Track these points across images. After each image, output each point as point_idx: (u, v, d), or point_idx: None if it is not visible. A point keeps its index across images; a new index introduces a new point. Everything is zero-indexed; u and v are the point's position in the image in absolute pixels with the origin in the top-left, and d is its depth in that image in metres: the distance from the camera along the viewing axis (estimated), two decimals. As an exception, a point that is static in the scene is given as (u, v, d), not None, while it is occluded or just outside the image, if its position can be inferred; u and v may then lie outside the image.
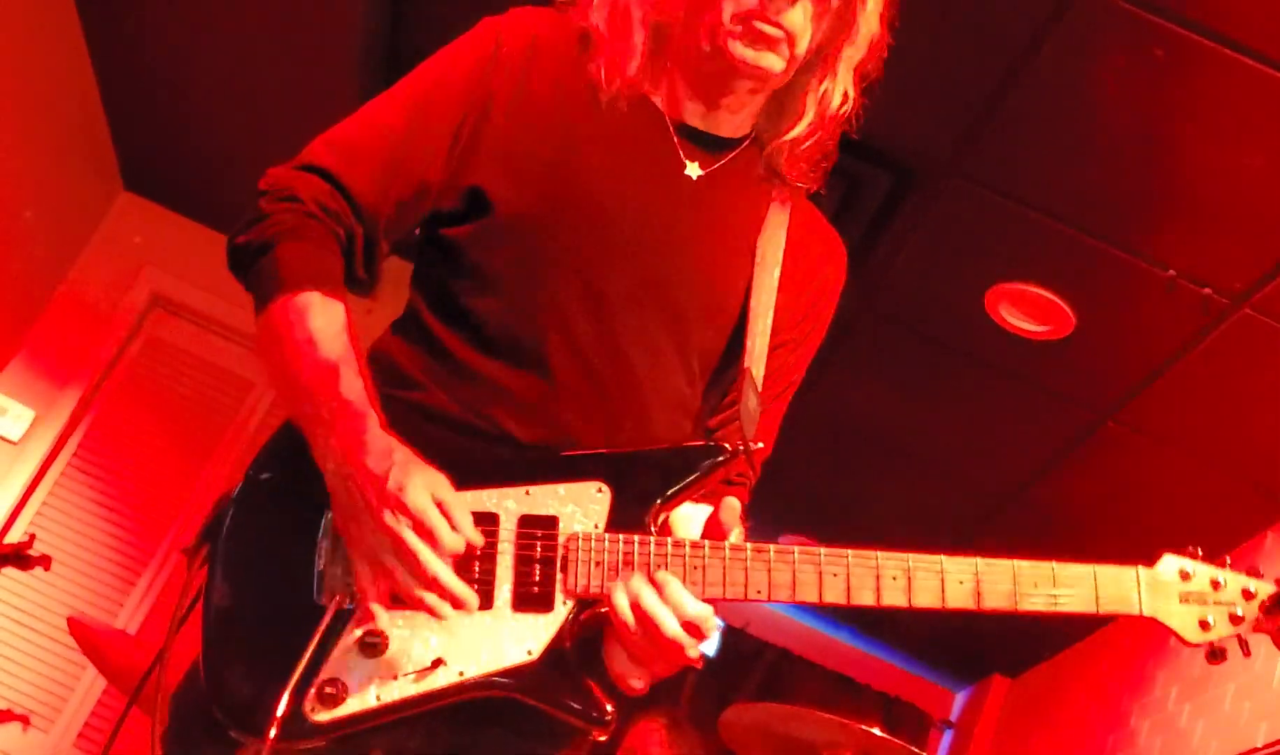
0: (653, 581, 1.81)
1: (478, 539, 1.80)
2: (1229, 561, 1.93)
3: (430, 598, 1.75)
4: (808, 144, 2.10)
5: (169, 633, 1.90)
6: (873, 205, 4.49)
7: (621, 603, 1.81)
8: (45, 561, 4.83)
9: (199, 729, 1.84)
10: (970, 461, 5.75)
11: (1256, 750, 4.57)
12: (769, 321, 2.08)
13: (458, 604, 1.76)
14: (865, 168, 4.30)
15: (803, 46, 2.04)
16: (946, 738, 7.41)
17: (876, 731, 3.68)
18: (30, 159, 5.76)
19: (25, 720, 5.93)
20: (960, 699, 7.53)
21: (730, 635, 7.22)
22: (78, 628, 4.45)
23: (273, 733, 1.73)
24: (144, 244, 6.59)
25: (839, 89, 2.08)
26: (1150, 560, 1.92)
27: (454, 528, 1.76)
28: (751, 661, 7.25)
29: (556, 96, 2.05)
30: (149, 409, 6.51)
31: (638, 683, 1.83)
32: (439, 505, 1.76)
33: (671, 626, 1.78)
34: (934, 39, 3.76)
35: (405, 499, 1.74)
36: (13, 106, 5.42)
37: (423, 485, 1.76)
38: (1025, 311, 4.70)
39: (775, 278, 2.09)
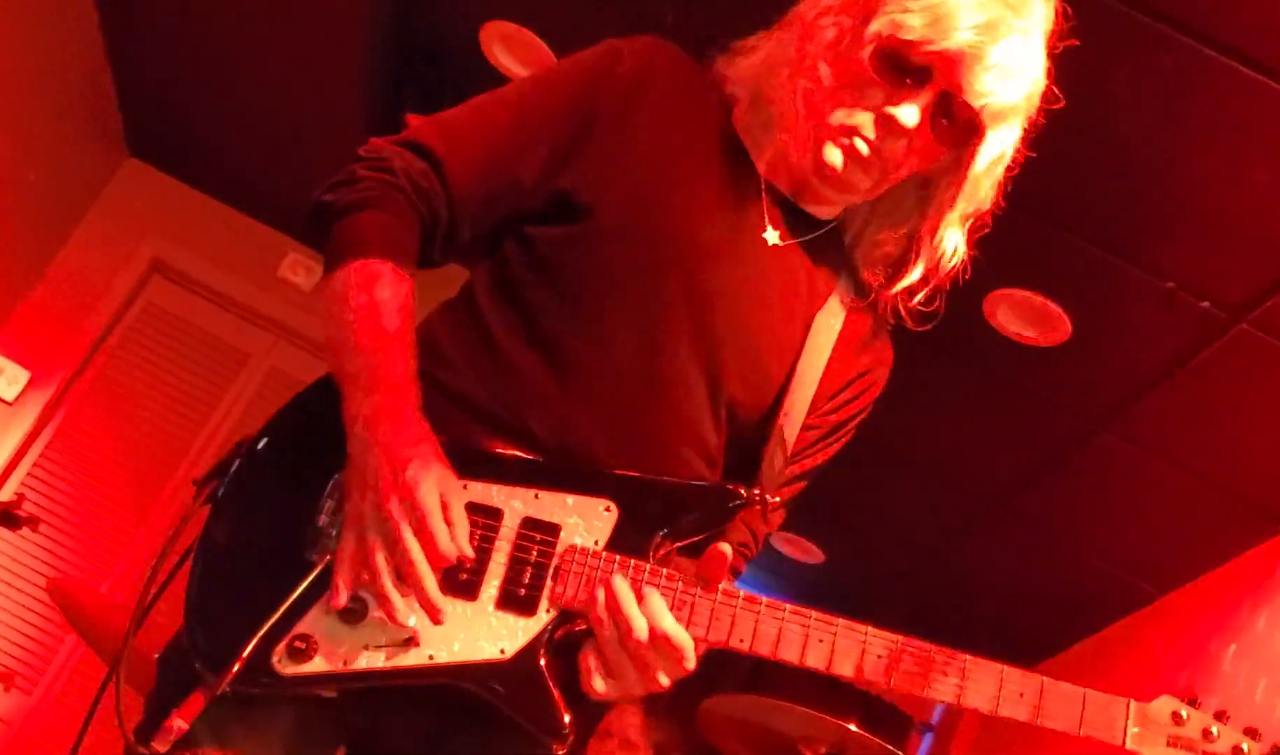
0: (636, 591, 1.82)
1: (469, 554, 1.81)
2: (1229, 716, 1.90)
3: (396, 599, 1.77)
4: (918, 296, 2.15)
5: (159, 559, 1.94)
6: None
7: (601, 597, 1.82)
8: (34, 523, 4.83)
9: (178, 665, 1.86)
10: (962, 465, 5.75)
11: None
12: (810, 394, 2.10)
13: (431, 612, 1.77)
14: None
15: (893, 178, 2.07)
16: (926, 741, 7.41)
17: (853, 727, 3.68)
18: (35, 122, 5.76)
19: (9, 679, 5.94)
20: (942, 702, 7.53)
21: (716, 628, 7.21)
22: (58, 590, 4.45)
23: (234, 670, 1.76)
24: (146, 211, 6.60)
25: (950, 243, 2.14)
26: (1145, 698, 1.91)
27: (452, 538, 1.78)
28: (734, 655, 7.23)
29: (664, 126, 2.08)
30: (145, 375, 6.52)
31: (599, 685, 1.83)
32: (445, 512, 1.78)
33: (641, 630, 1.78)
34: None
35: (417, 493, 1.75)
36: (19, 69, 5.42)
37: (437, 485, 1.78)
38: (1023, 317, 4.70)
39: (825, 357, 2.12)
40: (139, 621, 1.93)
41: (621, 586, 1.81)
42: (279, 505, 1.90)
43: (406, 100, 5.03)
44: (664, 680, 1.83)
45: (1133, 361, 4.69)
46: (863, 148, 2.01)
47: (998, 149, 2.11)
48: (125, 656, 1.88)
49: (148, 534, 6.30)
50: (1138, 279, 4.29)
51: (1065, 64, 3.71)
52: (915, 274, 2.13)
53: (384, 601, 1.78)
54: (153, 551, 6.20)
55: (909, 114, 1.99)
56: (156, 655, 1.97)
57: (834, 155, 2.02)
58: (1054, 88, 2.13)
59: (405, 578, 1.76)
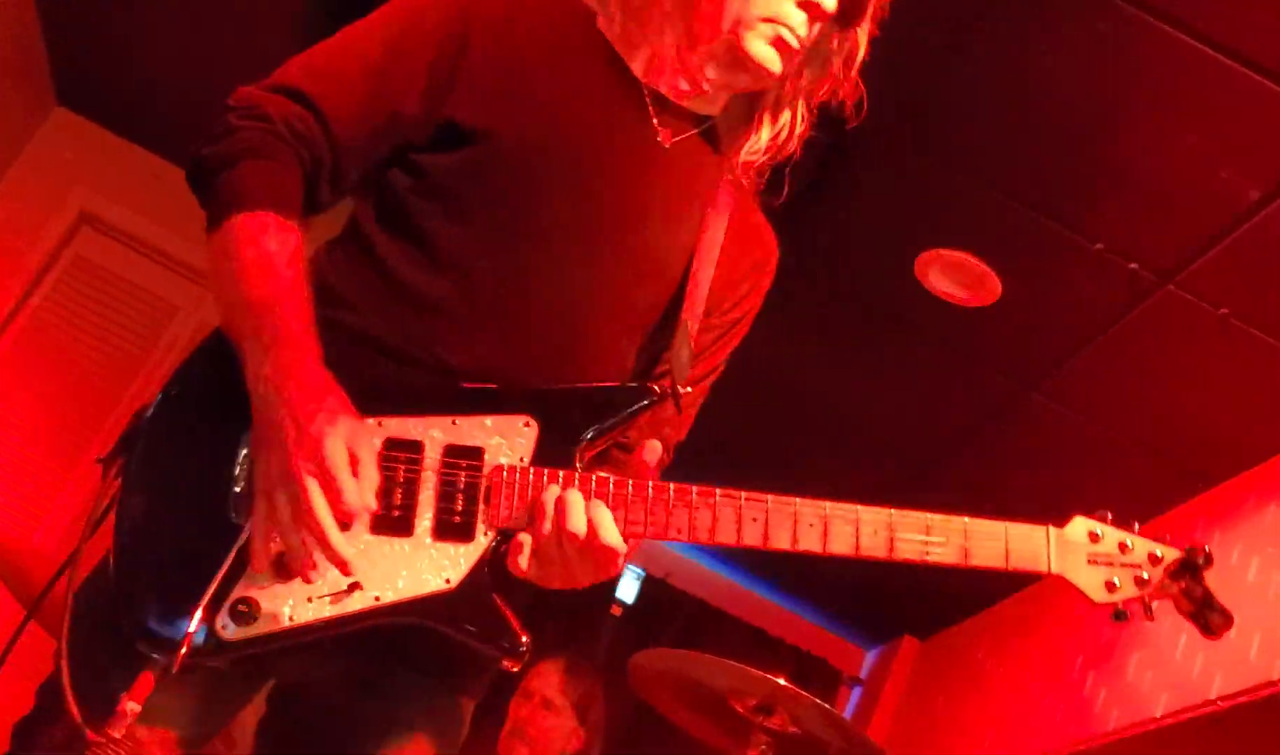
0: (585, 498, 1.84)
1: (373, 507, 1.77)
2: (1137, 527, 1.98)
3: (303, 555, 1.75)
4: (760, 161, 2.19)
5: (79, 544, 1.88)
6: (806, 170, 4.49)
7: (550, 500, 1.83)
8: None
9: (105, 644, 1.82)
10: (896, 426, 5.79)
11: (1155, 720, 4.66)
12: (705, 291, 2.12)
13: (341, 566, 1.75)
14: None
15: (797, 63, 2.11)
16: (855, 695, 7.50)
17: (782, 681, 3.71)
18: (-40, 67, 5.65)
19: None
20: (870, 658, 7.63)
21: (650, 586, 7.26)
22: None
23: (184, 647, 1.73)
24: (75, 161, 6.49)
25: (798, 121, 2.18)
26: (1061, 522, 1.97)
27: (359, 491, 1.74)
28: (670, 612, 7.29)
29: (536, 42, 2.07)
30: (72, 328, 6.44)
31: (524, 564, 1.83)
32: (353, 463, 1.74)
33: (578, 525, 1.79)
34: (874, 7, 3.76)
35: (323, 448, 1.72)
36: (-57, 11, 5.31)
37: (344, 438, 1.74)
38: (954, 278, 4.73)
39: (715, 254, 2.13)
40: (68, 611, 1.86)
41: (572, 492, 1.82)
42: (193, 471, 1.85)
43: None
44: (586, 580, 1.85)
45: (1062, 322, 4.74)
46: (790, 38, 2.05)
47: (865, 36, 2.17)
48: (66, 650, 1.82)
49: (77, 485, 6.24)
50: (1067, 240, 4.33)
51: (999, 30, 3.75)
52: (759, 142, 2.17)
53: (296, 559, 1.76)
54: (82, 503, 6.14)
55: None
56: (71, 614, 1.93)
57: (760, 47, 2.05)
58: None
59: (312, 535, 1.73)
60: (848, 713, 7.38)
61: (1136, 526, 1.98)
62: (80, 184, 6.47)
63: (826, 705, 3.80)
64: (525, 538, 1.82)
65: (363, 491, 1.75)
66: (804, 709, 3.75)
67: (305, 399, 1.76)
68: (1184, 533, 5.16)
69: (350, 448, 1.75)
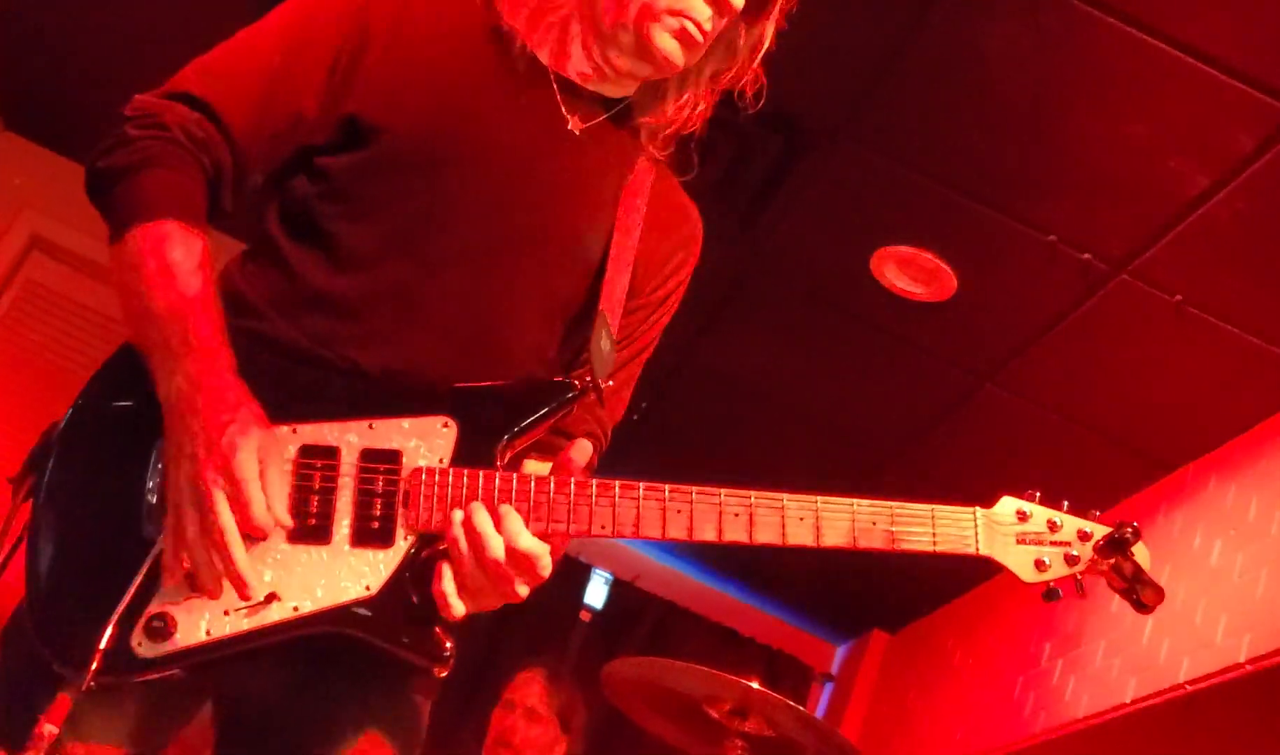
0: (493, 511, 1.80)
1: (286, 522, 1.75)
2: (1066, 504, 1.96)
3: (208, 572, 1.71)
4: (664, 132, 2.16)
5: None
6: (763, 168, 4.51)
7: (457, 522, 1.79)
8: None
9: (26, 666, 1.80)
10: (853, 420, 5.81)
11: (1125, 705, 4.70)
12: (627, 277, 2.09)
13: (239, 585, 1.71)
14: (755, 131, 4.31)
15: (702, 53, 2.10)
16: (827, 691, 7.52)
17: (755, 685, 3.72)
18: (-97, 94, 5.58)
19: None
20: (840, 653, 7.65)
21: (617, 589, 7.25)
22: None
23: (94, 665, 1.69)
24: (24, 185, 6.42)
25: (697, 100, 2.16)
26: (989, 503, 1.95)
27: (270, 506, 1.71)
28: (638, 615, 7.28)
29: (436, 36, 2.05)
30: (26, 354, 6.37)
31: (458, 607, 1.79)
32: (263, 477, 1.71)
33: (497, 552, 1.76)
34: (824, 5, 3.78)
35: (233, 461, 1.69)
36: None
37: (255, 452, 1.71)
38: (909, 274, 4.76)
39: (636, 236, 2.11)
40: None
41: (477, 510, 1.79)
42: (105, 486, 1.81)
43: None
44: (522, 591, 1.82)
45: (1017, 314, 4.78)
46: (695, 32, 2.03)
47: (771, 26, 2.14)
48: None
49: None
50: (1020, 233, 4.36)
51: (947, 26, 3.77)
52: (666, 113, 2.15)
53: (200, 574, 1.72)
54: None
55: None
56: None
57: (665, 40, 2.03)
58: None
59: (216, 550, 1.68)
60: (820, 709, 7.40)
61: (1066, 504, 1.97)
62: (30, 208, 6.40)
63: (800, 707, 3.81)
64: (447, 586, 1.79)
65: (272, 506, 1.71)
66: (778, 711, 3.76)
67: (216, 410, 1.72)
68: (1146, 518, 5.21)
69: (261, 460, 1.71)
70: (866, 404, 5.67)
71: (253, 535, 1.71)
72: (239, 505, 1.69)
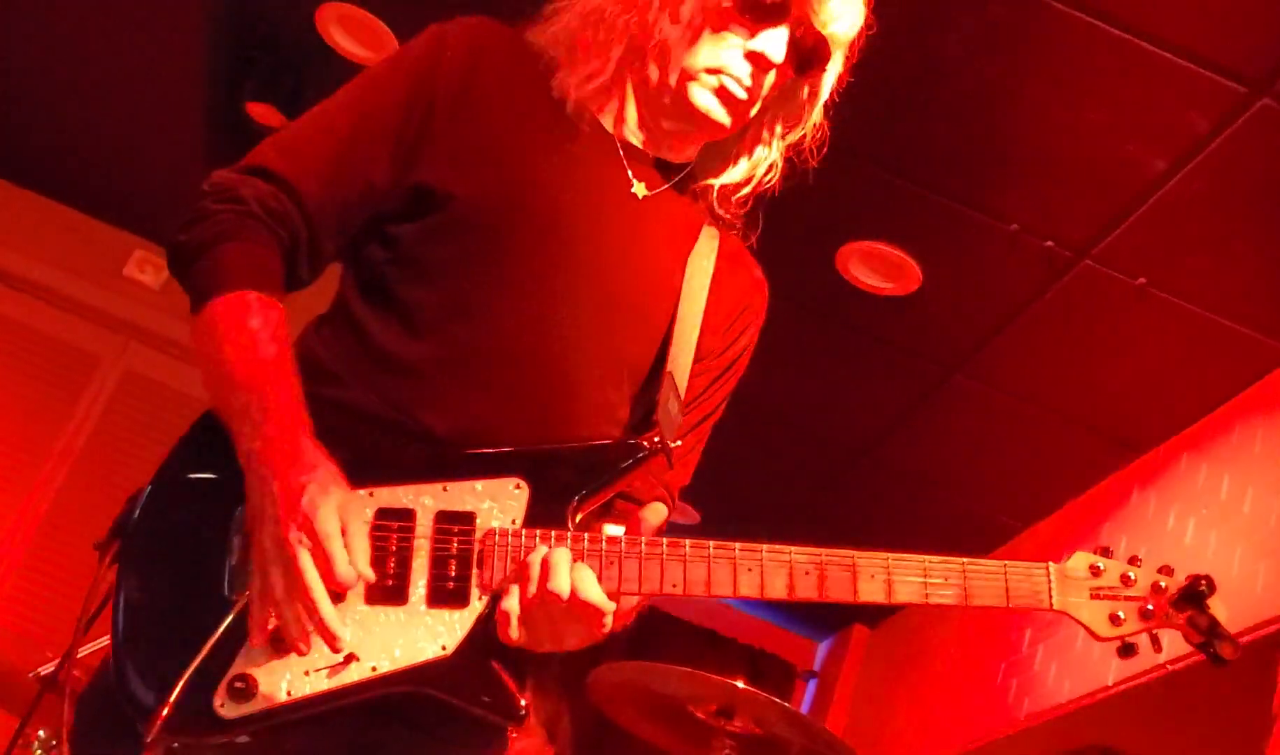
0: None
1: (369, 576, 1.78)
2: (1142, 558, 1.95)
3: (296, 628, 1.74)
4: (734, 196, 2.19)
5: (75, 633, 1.88)
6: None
7: (533, 560, 1.82)
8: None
9: (108, 728, 1.82)
10: (824, 418, 5.84)
11: (1106, 688, 4.73)
12: (694, 339, 2.12)
13: (330, 640, 1.75)
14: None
15: (752, 112, 2.11)
16: (810, 687, 7.55)
17: (740, 684, 3.73)
18: None
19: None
20: (822, 649, 7.67)
21: (597, 596, 7.25)
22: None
23: (164, 713, 1.73)
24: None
25: (771, 158, 2.18)
26: (1062, 558, 1.94)
27: (352, 561, 1.74)
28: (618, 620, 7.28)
29: (504, 103, 2.08)
30: (-7, 388, 6.34)
31: (514, 633, 1.82)
32: (345, 534, 1.74)
33: (561, 585, 1.78)
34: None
35: (315, 519, 1.72)
36: None
37: (335, 510, 1.74)
38: (874, 269, 4.79)
39: (703, 300, 2.13)
40: (65, 692, 1.88)
41: (558, 550, 1.81)
42: (187, 549, 1.86)
43: (247, 87, 4.94)
44: (574, 642, 1.85)
45: (983, 304, 4.81)
46: (735, 88, 2.05)
47: (834, 75, 2.17)
48: (68, 739, 1.84)
49: (12, 549, 6.14)
50: (983, 224, 4.39)
51: (903, 19, 3.79)
52: (734, 177, 2.18)
53: (289, 633, 1.75)
54: (13, 569, 6.05)
55: (778, 49, 2.04)
56: (79, 695, 1.94)
57: (704, 97, 2.05)
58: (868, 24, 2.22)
59: (304, 608, 1.73)
60: (805, 705, 7.42)
61: (1141, 557, 1.95)
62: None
63: (786, 704, 3.83)
64: (511, 605, 1.81)
65: (355, 561, 1.75)
66: (764, 710, 3.78)
67: (295, 471, 1.76)
68: (1118, 500, 5.25)
69: (341, 518, 1.75)
70: (836, 400, 5.70)
71: (338, 590, 1.74)
72: (323, 561, 1.72)
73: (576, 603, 1.79)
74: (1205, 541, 4.56)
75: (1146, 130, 3.87)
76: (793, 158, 2.20)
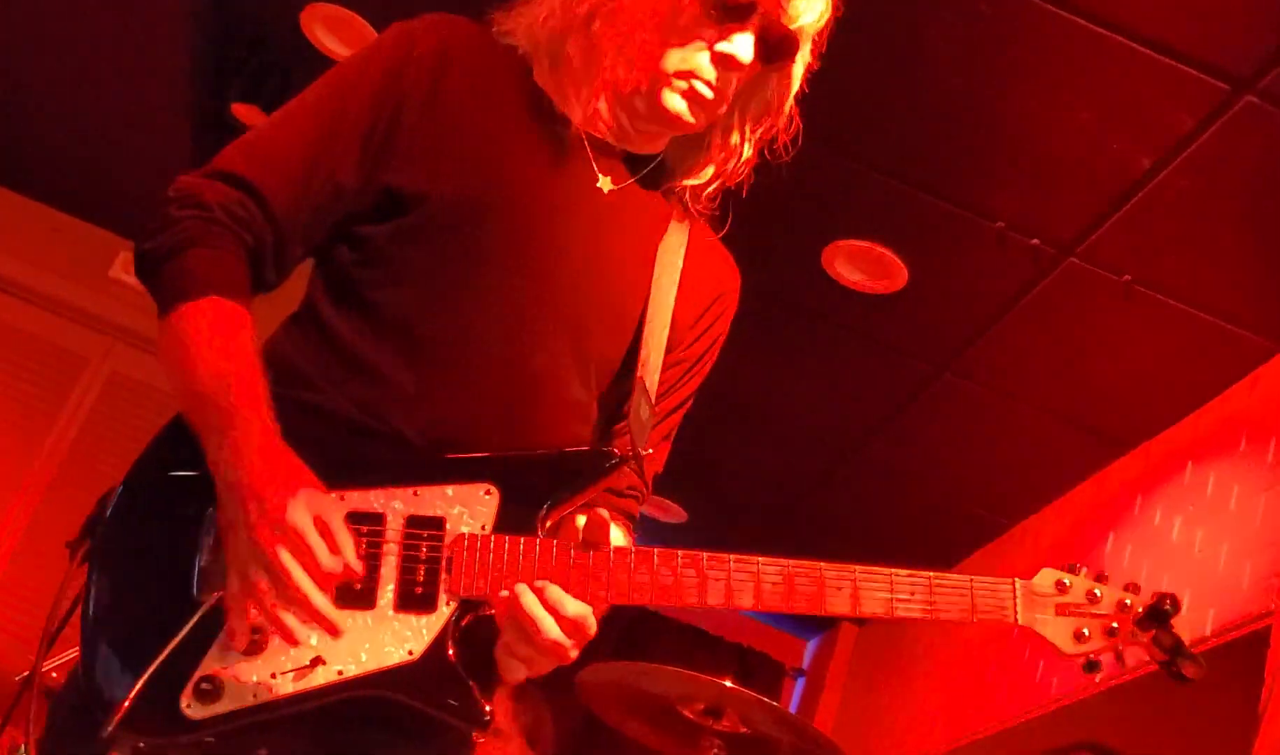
0: (534, 588, 1.83)
1: (356, 566, 1.78)
2: (1107, 576, 1.97)
3: (291, 620, 1.75)
4: (707, 190, 2.19)
5: (44, 633, 1.90)
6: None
7: (502, 607, 1.83)
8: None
9: (77, 728, 1.83)
10: (811, 417, 5.84)
11: (1096, 685, 4.73)
12: (664, 335, 2.12)
13: (328, 627, 1.75)
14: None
15: (723, 109, 2.11)
16: (799, 685, 7.55)
17: (728, 683, 3.74)
18: None
19: None
20: (811, 647, 7.68)
21: (585, 596, 7.25)
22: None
23: (121, 711, 1.73)
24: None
25: (743, 151, 2.17)
26: (1029, 574, 1.96)
27: (334, 551, 1.75)
28: (609, 621, 7.23)
29: (472, 101, 2.07)
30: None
31: (520, 674, 1.85)
32: (320, 526, 1.75)
33: (550, 630, 1.80)
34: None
35: (287, 516, 1.72)
36: None
37: (306, 505, 1.75)
38: (861, 267, 4.79)
39: (672, 294, 2.14)
40: (31, 686, 1.90)
41: (521, 590, 1.82)
42: (157, 550, 1.86)
43: (232, 88, 4.93)
44: (574, 653, 1.85)
45: (969, 302, 4.82)
46: (704, 90, 2.05)
47: (802, 67, 2.17)
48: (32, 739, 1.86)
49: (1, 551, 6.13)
50: (969, 222, 4.40)
51: (888, 16, 3.79)
52: (706, 174, 2.17)
53: (280, 629, 1.76)
54: (0, 570, 6.03)
55: (746, 49, 2.04)
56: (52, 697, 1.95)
57: (675, 101, 2.05)
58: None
59: (293, 602, 1.73)
60: (793, 704, 7.43)
61: (1106, 575, 1.97)
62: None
63: (774, 703, 3.83)
64: (517, 675, 1.85)
65: (341, 549, 1.76)
66: (752, 708, 3.78)
67: (262, 473, 1.76)
68: (1106, 498, 5.26)
69: (314, 513, 1.75)
70: (824, 399, 5.70)
71: (323, 585, 1.75)
72: (304, 557, 1.72)
73: (565, 625, 1.81)
74: (1191, 538, 4.58)
75: (1132, 128, 3.88)
76: (765, 151, 2.20)
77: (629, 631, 7.26)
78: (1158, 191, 4.03)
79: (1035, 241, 4.38)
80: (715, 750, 3.83)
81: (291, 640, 1.76)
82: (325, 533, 1.75)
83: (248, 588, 1.75)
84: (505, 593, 1.83)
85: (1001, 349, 4.95)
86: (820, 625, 7.58)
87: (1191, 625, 4.27)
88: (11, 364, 6.38)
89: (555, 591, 1.82)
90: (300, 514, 1.73)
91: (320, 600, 1.73)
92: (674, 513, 6.90)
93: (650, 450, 2.09)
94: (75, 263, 6.40)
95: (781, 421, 5.95)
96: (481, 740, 1.86)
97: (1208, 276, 4.29)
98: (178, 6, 4.84)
